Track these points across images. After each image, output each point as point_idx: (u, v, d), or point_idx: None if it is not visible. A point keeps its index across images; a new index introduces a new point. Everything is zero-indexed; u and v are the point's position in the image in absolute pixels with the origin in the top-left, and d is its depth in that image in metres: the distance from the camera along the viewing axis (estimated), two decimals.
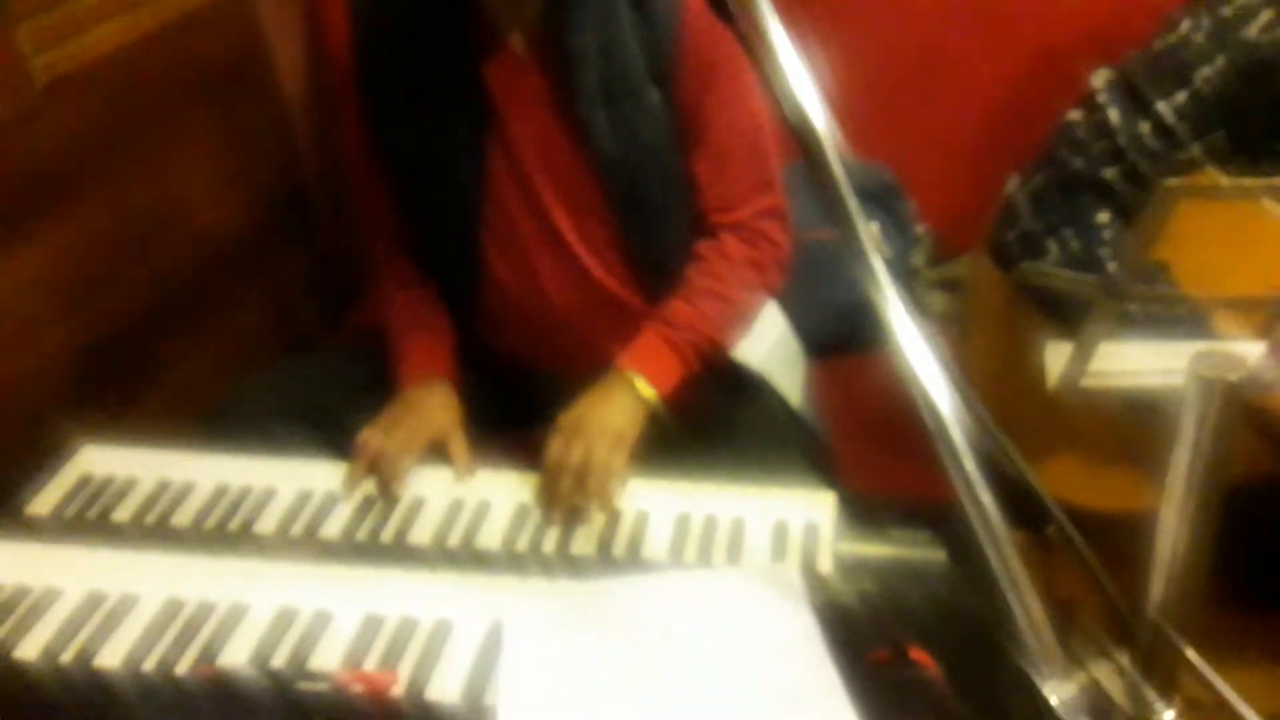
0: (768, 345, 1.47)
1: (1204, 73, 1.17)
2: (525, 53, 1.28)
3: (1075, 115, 1.25)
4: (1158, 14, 1.24)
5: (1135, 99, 1.21)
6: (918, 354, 0.70)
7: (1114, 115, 1.21)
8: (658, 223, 1.35)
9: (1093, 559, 0.76)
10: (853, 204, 0.75)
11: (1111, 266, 1.21)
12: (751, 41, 0.78)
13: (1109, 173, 1.22)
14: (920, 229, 1.78)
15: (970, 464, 0.67)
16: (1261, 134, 1.19)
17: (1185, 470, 0.64)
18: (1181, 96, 1.18)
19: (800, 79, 0.75)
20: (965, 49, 1.67)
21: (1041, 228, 1.27)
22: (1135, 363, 0.93)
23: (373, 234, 1.47)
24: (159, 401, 1.64)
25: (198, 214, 1.71)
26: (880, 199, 1.75)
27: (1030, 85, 1.59)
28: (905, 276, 1.73)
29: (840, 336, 1.77)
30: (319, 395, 1.37)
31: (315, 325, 1.96)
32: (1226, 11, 1.17)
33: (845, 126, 1.82)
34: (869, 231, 0.74)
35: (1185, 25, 1.20)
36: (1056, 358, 1.03)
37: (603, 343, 1.37)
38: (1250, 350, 0.94)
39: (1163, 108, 1.19)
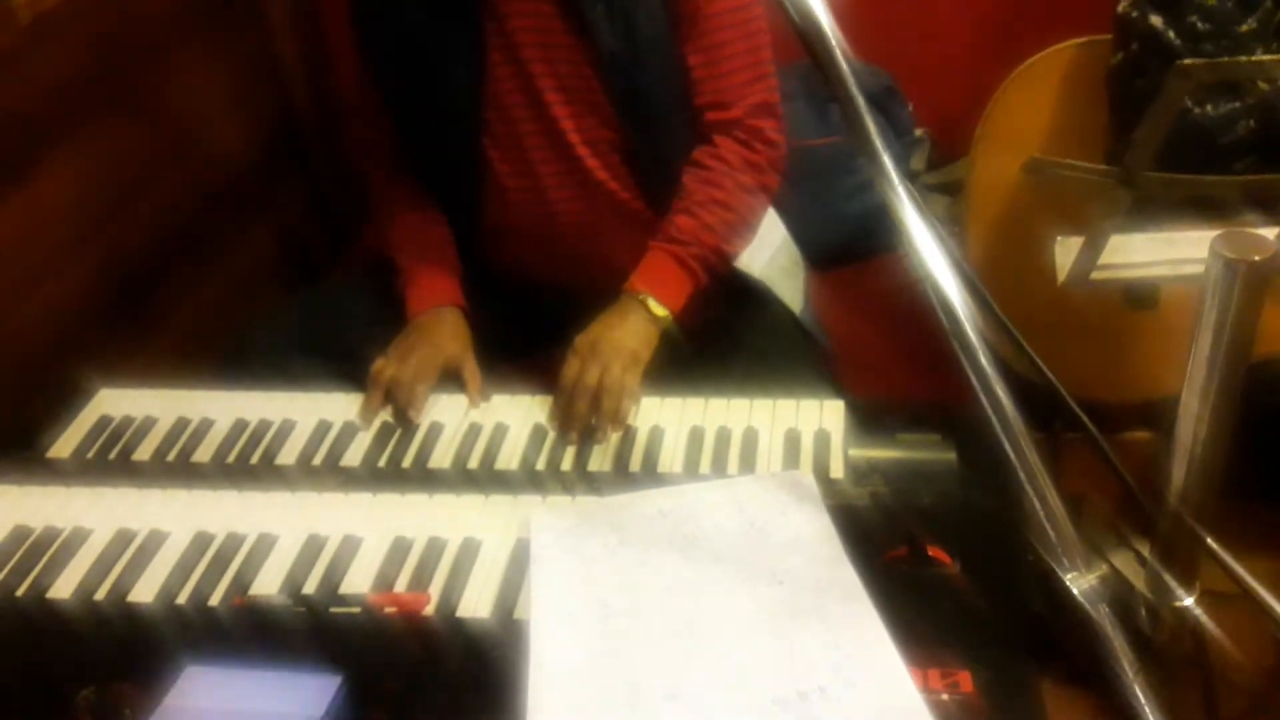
0: (768, 253, 1.47)
1: None
2: None
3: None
4: None
5: None
6: (931, 254, 0.70)
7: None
8: (658, 122, 1.34)
9: (1110, 451, 0.77)
10: (861, 103, 0.74)
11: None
12: None
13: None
14: (919, 132, 1.77)
15: (987, 360, 0.68)
16: None
17: (1207, 354, 0.63)
18: None
19: None
20: None
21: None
22: (1146, 254, 0.93)
23: (371, 158, 1.46)
24: (171, 340, 1.64)
25: (195, 148, 1.70)
26: (879, 103, 1.74)
27: None
28: (906, 179, 1.72)
29: (839, 246, 1.77)
30: (330, 327, 1.38)
31: (321, 255, 1.96)
32: None
33: (844, 31, 1.79)
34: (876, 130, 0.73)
35: None
36: (1065, 253, 1.03)
37: (607, 250, 1.37)
38: (1271, 233, 0.93)
39: None
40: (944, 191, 1.74)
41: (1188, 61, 0.73)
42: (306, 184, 1.94)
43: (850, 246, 1.77)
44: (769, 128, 1.36)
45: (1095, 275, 0.96)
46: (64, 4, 1.42)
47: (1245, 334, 0.62)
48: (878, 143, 0.73)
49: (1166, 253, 0.93)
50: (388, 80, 1.37)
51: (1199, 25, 1.17)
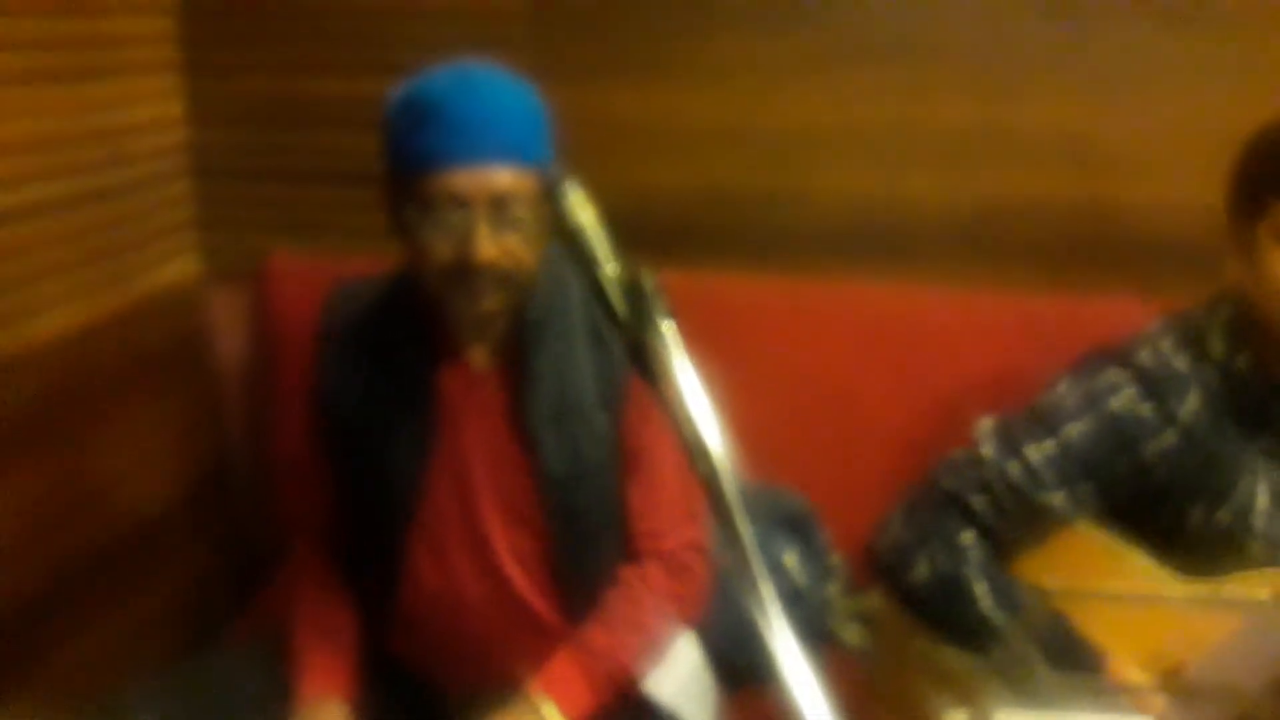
0: (680, 679, 1.45)
1: (1070, 429, 1.29)
2: (485, 367, 1.34)
3: (957, 452, 1.36)
4: (1045, 378, 1.36)
5: (1009, 442, 1.31)
6: (805, 692, 0.70)
7: (988, 450, 1.32)
8: (590, 543, 1.37)
9: None
10: (749, 536, 0.78)
11: (978, 588, 1.28)
12: (661, 383, 0.82)
13: (976, 500, 1.31)
14: (835, 559, 1.82)
15: None
16: (1132, 498, 1.28)
17: None
18: (1049, 444, 1.29)
19: (704, 419, 0.80)
20: (880, 394, 1.78)
21: (912, 538, 1.34)
22: None
23: (300, 527, 1.47)
24: (46, 682, 1.55)
25: (118, 494, 1.70)
26: (798, 528, 1.80)
27: (936, 428, 1.69)
28: (820, 606, 1.75)
29: (755, 664, 1.76)
30: (212, 706, 1.31)
31: (219, 614, 1.90)
32: (1097, 382, 1.30)
33: (768, 458, 1.91)
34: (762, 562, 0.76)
35: (1063, 387, 1.33)
36: None
37: (516, 659, 1.35)
38: None
39: (1031, 451, 1.30)
40: (860, 620, 1.76)
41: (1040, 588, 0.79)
42: (222, 542, 1.92)
43: (760, 666, 1.76)
44: (697, 563, 1.40)
45: None
46: (25, 350, 1.48)
47: None
48: (756, 568, 0.76)
49: None
50: (332, 456, 1.41)
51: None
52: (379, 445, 1.34)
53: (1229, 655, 0.78)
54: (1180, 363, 1.30)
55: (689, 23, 1.79)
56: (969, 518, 1.32)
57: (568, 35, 1.82)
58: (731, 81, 1.82)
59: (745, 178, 1.85)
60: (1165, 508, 1.29)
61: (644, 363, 0.84)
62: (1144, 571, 1.27)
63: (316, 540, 1.44)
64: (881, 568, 1.39)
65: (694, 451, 0.81)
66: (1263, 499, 1.27)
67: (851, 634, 1.71)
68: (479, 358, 1.34)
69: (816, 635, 1.64)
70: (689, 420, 0.81)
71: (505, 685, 1.30)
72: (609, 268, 0.87)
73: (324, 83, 1.88)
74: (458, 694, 1.39)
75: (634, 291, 0.86)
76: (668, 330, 0.84)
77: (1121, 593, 1.18)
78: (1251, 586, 1.19)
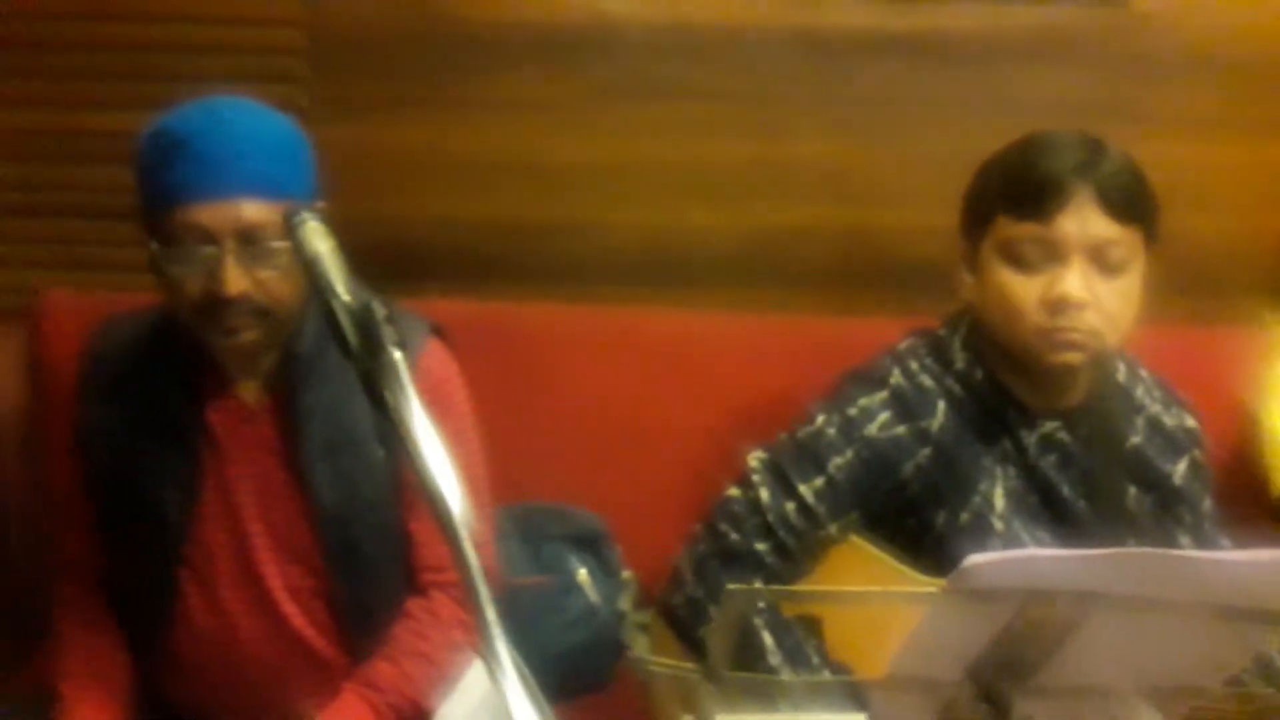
0: (471, 706, 1.46)
1: (836, 461, 1.35)
2: (255, 402, 1.33)
3: (734, 491, 1.40)
4: (800, 405, 1.43)
5: (782, 481, 1.36)
6: None
7: (765, 494, 1.36)
8: (369, 577, 1.37)
9: None
10: (477, 572, 0.80)
11: (767, 640, 1.30)
12: (391, 414, 0.84)
13: (761, 546, 1.35)
14: (626, 574, 1.87)
15: None
16: (890, 513, 1.37)
17: None
18: (819, 481, 1.35)
19: (431, 448, 0.82)
20: (667, 415, 1.85)
21: (703, 594, 1.37)
22: None
23: (65, 569, 1.41)
24: None
25: None
26: (590, 545, 1.84)
27: (720, 447, 1.76)
28: (613, 619, 1.79)
29: (551, 684, 1.79)
30: None
31: None
32: (853, 410, 1.37)
33: (562, 480, 1.94)
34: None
35: (820, 419, 1.38)
36: None
37: (297, 698, 1.34)
38: None
39: (804, 490, 1.35)
40: (649, 632, 1.81)
41: (733, 587, 0.84)
42: None
43: (562, 684, 1.79)
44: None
45: None
46: None
47: None
48: (494, 634, 0.77)
49: None
50: (97, 495, 1.37)
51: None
52: (145, 483, 1.32)
53: (918, 647, 0.85)
54: (927, 379, 1.39)
55: (473, 60, 1.84)
56: (757, 568, 1.34)
57: (349, 71, 1.84)
58: (520, 116, 1.87)
59: (536, 209, 1.91)
60: (916, 515, 1.37)
61: (374, 393, 0.86)
62: (897, 575, 1.35)
63: (84, 581, 1.39)
64: (675, 623, 1.41)
65: (423, 484, 0.82)
66: (1000, 501, 1.37)
67: (641, 645, 1.76)
68: (249, 393, 1.33)
69: (611, 646, 1.68)
70: (415, 449, 0.83)
71: None
72: (343, 296, 0.89)
73: (98, 117, 1.83)
74: None
75: (365, 321, 0.87)
76: (396, 361, 0.85)
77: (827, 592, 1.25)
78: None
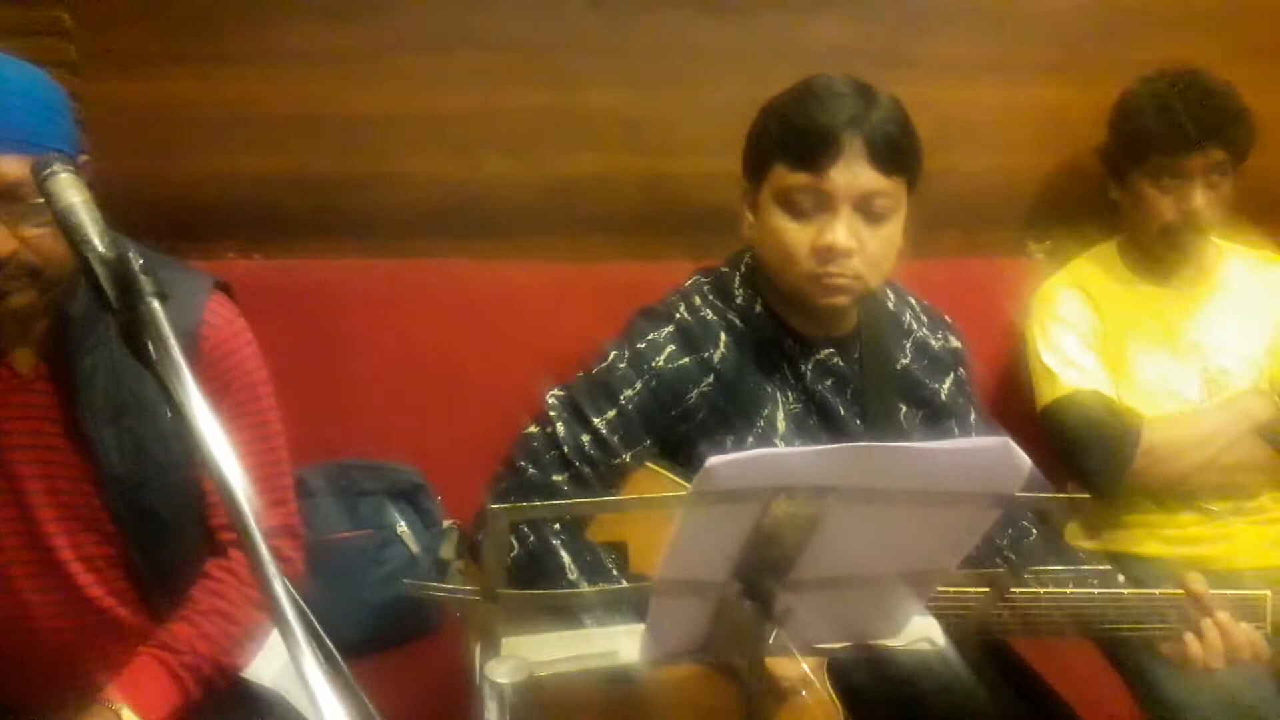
0: (282, 661, 1.47)
1: (627, 393, 1.41)
2: (30, 369, 1.28)
3: (532, 429, 1.45)
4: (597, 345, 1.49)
5: (577, 414, 1.42)
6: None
7: (561, 429, 1.41)
8: (166, 540, 1.34)
9: None
10: (262, 544, 0.80)
11: (566, 560, 1.36)
12: (152, 367, 0.83)
13: (558, 478, 1.40)
14: (447, 524, 1.90)
15: None
16: (681, 440, 1.44)
17: None
18: (612, 413, 1.41)
19: (206, 418, 0.82)
20: (476, 365, 1.88)
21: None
22: (555, 651, 1.05)
23: None
24: None
25: None
26: (409, 497, 1.86)
27: (530, 393, 1.81)
28: (435, 567, 1.82)
29: (370, 635, 1.81)
30: None
31: None
32: (641, 345, 1.44)
33: (378, 436, 1.93)
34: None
35: (612, 355, 1.45)
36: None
37: (99, 669, 1.31)
38: None
39: (599, 422, 1.41)
40: (476, 580, 1.84)
41: (497, 506, 0.89)
42: None
43: (381, 635, 1.81)
44: (287, 547, 1.41)
45: (540, 674, 1.04)
46: None
47: None
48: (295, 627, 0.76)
49: (575, 648, 1.07)
50: None
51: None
52: None
53: (682, 552, 0.90)
54: (709, 313, 1.46)
55: (251, 13, 1.79)
56: (556, 498, 1.39)
57: (120, 24, 1.76)
58: (307, 69, 1.84)
59: (329, 163, 1.89)
60: (706, 440, 1.44)
61: (135, 345, 0.85)
62: None
63: None
64: (480, 560, 1.44)
65: (191, 438, 0.82)
66: (782, 423, 1.46)
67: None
68: (23, 360, 1.28)
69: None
70: (179, 401, 0.82)
71: (87, 697, 1.26)
72: (97, 247, 0.87)
73: None
74: (36, 711, 1.33)
75: (122, 271, 0.86)
76: (155, 310, 0.85)
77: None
78: None
